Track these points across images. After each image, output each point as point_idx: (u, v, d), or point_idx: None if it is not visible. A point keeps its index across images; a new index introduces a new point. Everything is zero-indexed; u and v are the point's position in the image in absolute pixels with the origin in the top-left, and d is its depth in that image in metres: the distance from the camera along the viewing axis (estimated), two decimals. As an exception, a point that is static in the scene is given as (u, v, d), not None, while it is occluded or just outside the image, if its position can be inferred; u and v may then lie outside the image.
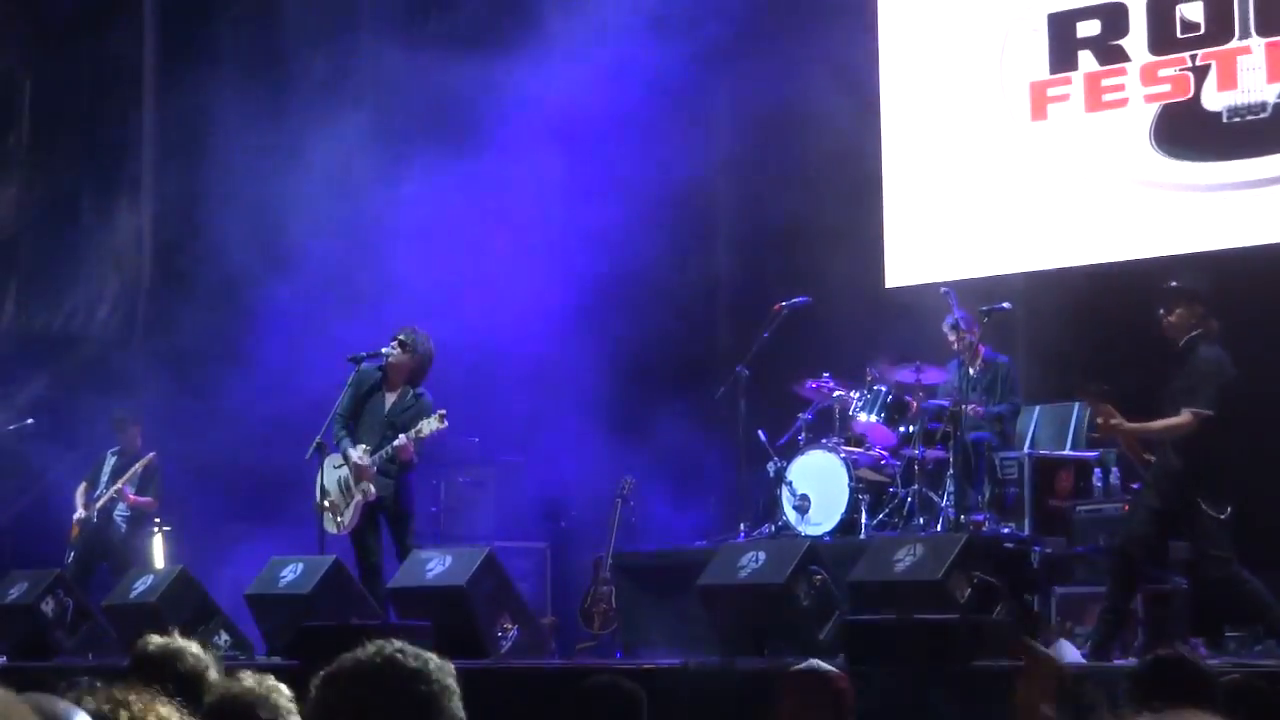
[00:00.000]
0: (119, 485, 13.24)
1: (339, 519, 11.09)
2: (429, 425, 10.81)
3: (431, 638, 9.12)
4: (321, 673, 2.79)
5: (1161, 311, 8.97)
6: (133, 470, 13.32)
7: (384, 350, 11.18)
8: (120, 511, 13.36)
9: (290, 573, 10.66)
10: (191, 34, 15.35)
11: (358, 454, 10.99)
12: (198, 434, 14.69)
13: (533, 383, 14.28)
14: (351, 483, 11.06)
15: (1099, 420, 8.79)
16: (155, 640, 4.26)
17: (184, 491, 14.22)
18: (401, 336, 11.14)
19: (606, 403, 13.98)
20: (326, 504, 11.07)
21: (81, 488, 13.56)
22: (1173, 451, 8.80)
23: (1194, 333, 8.89)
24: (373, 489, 10.99)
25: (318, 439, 10.96)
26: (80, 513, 13.38)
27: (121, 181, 15.46)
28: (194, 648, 4.22)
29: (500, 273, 14.55)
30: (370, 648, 2.79)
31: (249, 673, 3.38)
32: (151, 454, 13.45)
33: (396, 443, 10.84)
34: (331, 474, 11.11)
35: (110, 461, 13.54)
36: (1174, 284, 9.05)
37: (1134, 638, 9.14)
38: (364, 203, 15.39)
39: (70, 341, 15.24)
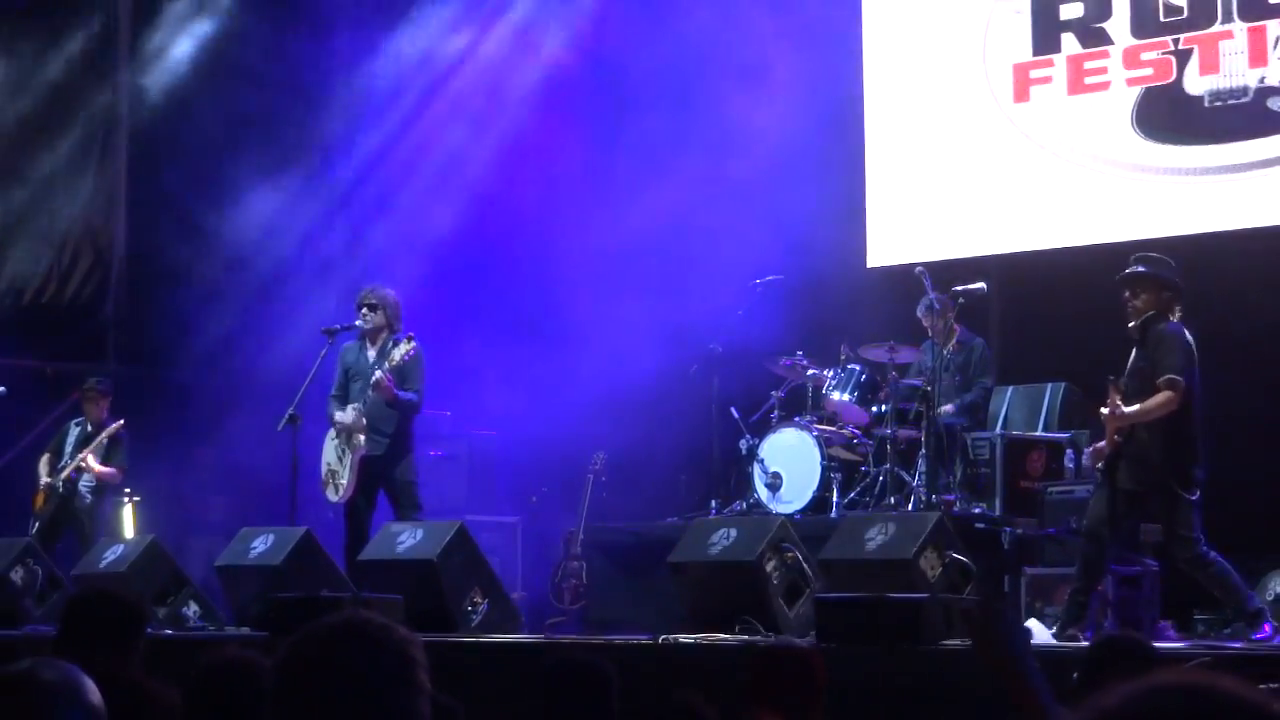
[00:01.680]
0: (85, 455, 13.15)
1: (340, 482, 11.02)
2: (399, 351, 10.79)
3: (402, 611, 9.12)
4: (287, 639, 2.77)
5: (1127, 295, 8.97)
6: (98, 440, 13.22)
7: (358, 323, 11.17)
8: (85, 482, 13.26)
9: (261, 544, 10.63)
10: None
11: (341, 412, 10.98)
12: (170, 404, 14.63)
13: (506, 358, 14.25)
14: (346, 443, 11.01)
15: (1105, 410, 8.79)
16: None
17: (155, 462, 14.15)
18: (368, 301, 11.13)
19: (579, 378, 13.96)
20: (330, 474, 11.05)
21: (45, 458, 13.45)
22: (1146, 433, 8.80)
23: (1149, 314, 8.90)
24: (363, 439, 10.91)
25: (290, 410, 10.92)
26: (45, 482, 13.29)
27: (95, 149, 15.35)
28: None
29: (478, 250, 14.53)
30: (337, 615, 2.77)
31: None
32: (118, 423, 13.36)
33: (373, 378, 10.79)
34: (330, 445, 11.12)
35: (74, 432, 13.44)
36: (1140, 269, 9.03)
37: (1103, 619, 9.15)
38: (338, 170, 15.35)
39: (42, 311, 15.14)
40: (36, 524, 13.11)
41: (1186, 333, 8.88)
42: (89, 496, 13.24)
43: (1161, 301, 8.91)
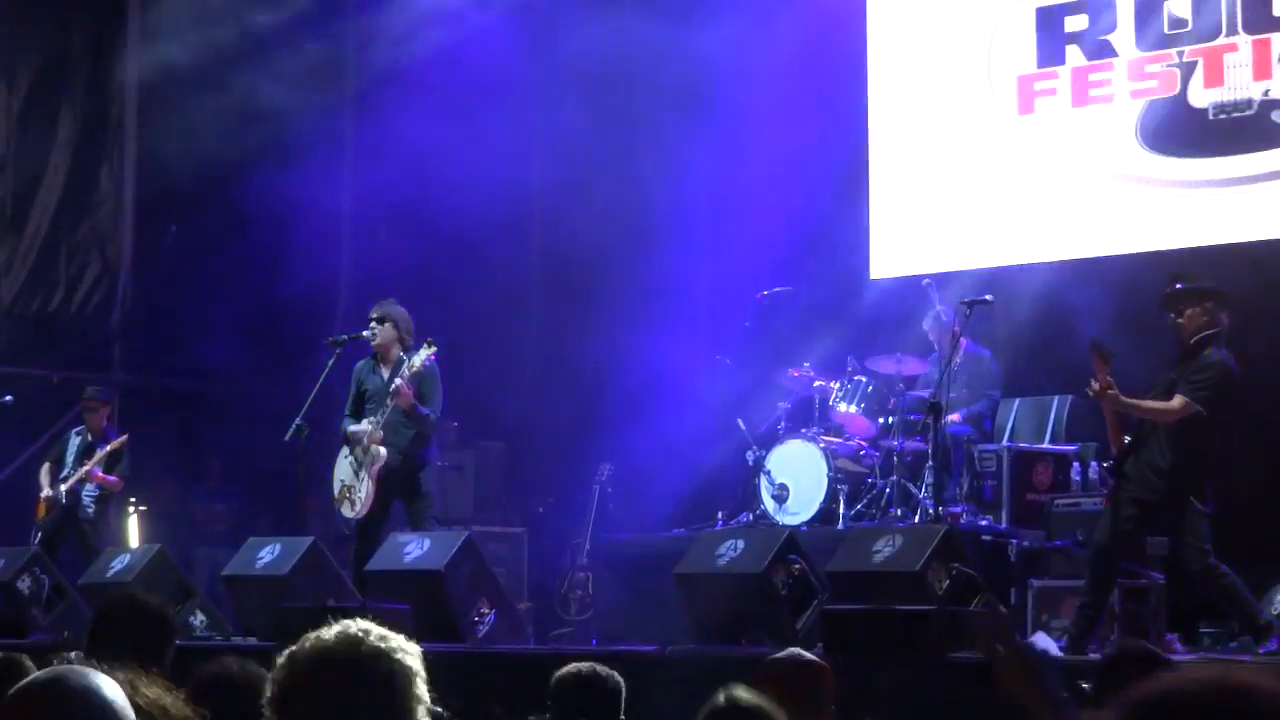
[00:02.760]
0: (89, 466, 13.14)
1: (357, 497, 10.96)
2: (419, 358, 10.77)
3: (410, 621, 9.12)
4: (286, 651, 2.78)
5: (1172, 315, 8.95)
6: (101, 453, 13.20)
7: (365, 334, 11.14)
8: (89, 492, 13.26)
9: (268, 554, 10.63)
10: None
11: (356, 426, 10.96)
12: (176, 414, 14.65)
13: (513, 368, 14.26)
14: (362, 457, 10.96)
15: (1094, 384, 8.76)
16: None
17: (160, 471, 14.17)
18: (377, 314, 11.11)
19: (587, 389, 13.98)
20: (344, 490, 11.00)
21: (45, 468, 13.45)
22: (1165, 445, 8.79)
23: (1206, 332, 8.89)
24: (383, 451, 10.88)
25: (297, 420, 10.91)
26: (48, 492, 13.29)
27: (103, 159, 15.38)
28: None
29: (478, 254, 14.54)
30: (335, 627, 2.78)
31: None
32: (123, 438, 13.36)
33: (393, 387, 10.76)
34: (343, 463, 11.07)
35: (74, 441, 13.44)
36: (1180, 285, 9.04)
37: (1110, 632, 9.15)
38: (347, 178, 15.36)
39: (49, 320, 15.16)
40: (39, 534, 13.11)
41: (1233, 364, 8.85)
42: (92, 507, 13.24)
43: (1206, 314, 8.90)
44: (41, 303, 15.15)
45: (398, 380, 10.75)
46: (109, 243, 15.42)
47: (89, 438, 13.41)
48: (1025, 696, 3.37)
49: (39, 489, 13.36)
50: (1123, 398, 8.78)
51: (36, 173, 15.06)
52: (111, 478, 13.23)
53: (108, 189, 15.36)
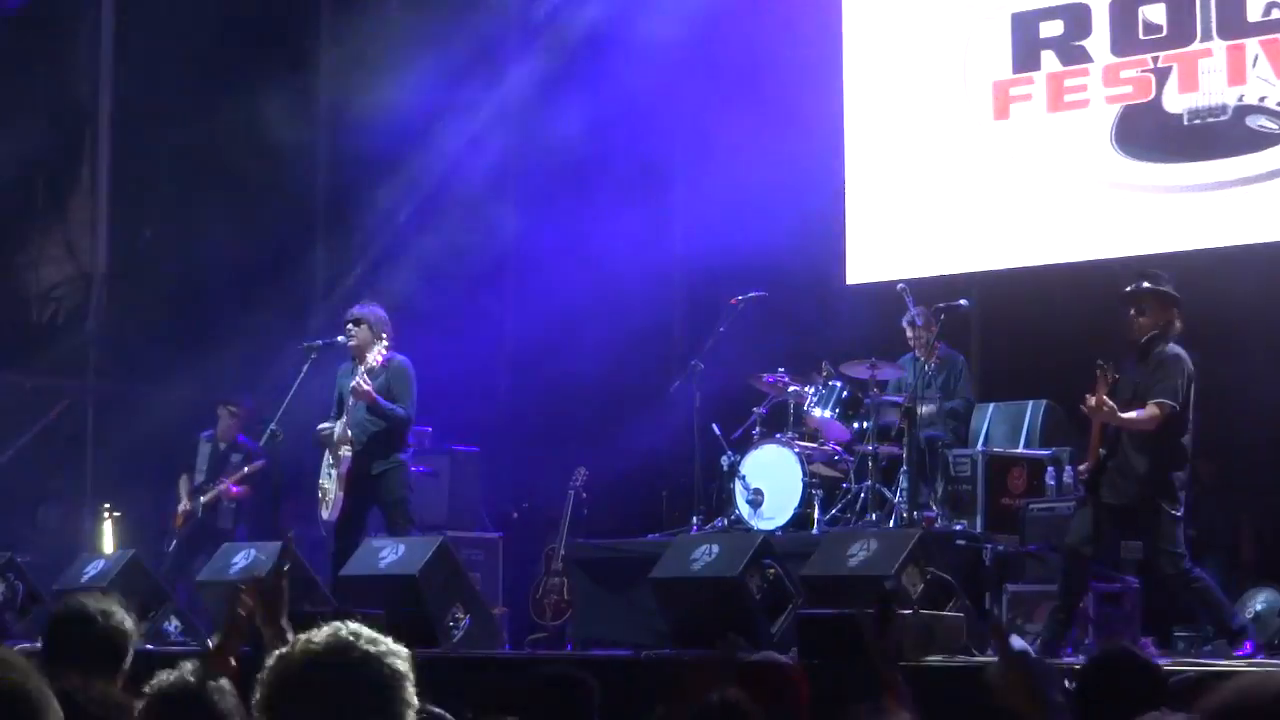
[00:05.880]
0: (225, 485, 13.22)
1: (329, 499, 10.94)
2: (372, 355, 10.73)
3: (384, 627, 9.09)
4: (275, 654, 2.77)
5: (1132, 311, 9.01)
6: (237, 472, 13.28)
7: (341, 338, 11.11)
8: (227, 505, 13.34)
9: (242, 559, 10.62)
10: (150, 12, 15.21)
11: (324, 424, 10.95)
12: (150, 419, 14.60)
13: (488, 372, 14.25)
14: (333, 459, 10.93)
15: (1091, 399, 8.80)
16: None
17: (136, 477, 14.13)
18: (353, 316, 11.06)
19: (561, 394, 13.97)
20: (323, 493, 10.99)
21: (183, 479, 13.47)
22: (1133, 450, 8.83)
23: (1153, 332, 8.95)
24: (346, 451, 10.84)
25: (272, 426, 10.89)
26: (185, 505, 13.32)
27: (78, 162, 15.34)
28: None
29: (459, 257, 14.53)
30: (325, 630, 2.77)
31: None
32: (260, 462, 13.42)
33: (352, 385, 10.73)
34: (324, 466, 11.07)
35: (205, 450, 13.48)
36: (1145, 285, 9.09)
37: (1084, 636, 9.18)
38: (317, 185, 15.35)
39: (22, 325, 15.11)
40: (174, 542, 13.12)
41: (1187, 356, 8.92)
42: (230, 520, 13.32)
43: (1162, 319, 8.96)
44: (15, 308, 15.10)
45: (355, 378, 10.72)
46: (82, 249, 15.37)
47: (220, 445, 13.43)
48: (1023, 705, 3.36)
49: (177, 500, 13.40)
50: (1118, 413, 8.83)
51: (9, 177, 15.00)
52: (243, 488, 13.28)
53: (82, 193, 15.31)
